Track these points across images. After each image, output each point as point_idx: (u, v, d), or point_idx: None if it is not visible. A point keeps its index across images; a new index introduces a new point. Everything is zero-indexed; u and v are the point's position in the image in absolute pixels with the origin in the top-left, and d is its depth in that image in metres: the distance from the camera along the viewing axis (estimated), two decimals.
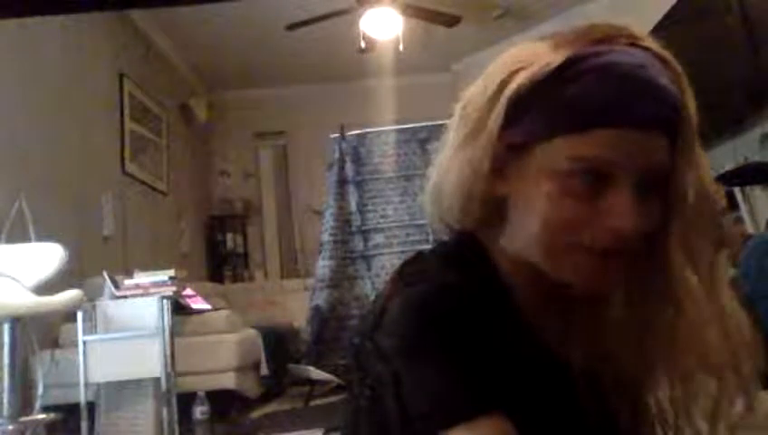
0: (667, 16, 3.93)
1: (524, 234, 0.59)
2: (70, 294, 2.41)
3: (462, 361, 0.52)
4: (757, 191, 3.43)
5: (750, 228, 3.43)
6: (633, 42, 0.58)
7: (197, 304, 3.50)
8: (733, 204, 3.64)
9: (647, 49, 0.58)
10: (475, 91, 0.62)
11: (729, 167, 3.41)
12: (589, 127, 0.54)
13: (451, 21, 4.67)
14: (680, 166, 0.57)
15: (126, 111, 4.52)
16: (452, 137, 0.63)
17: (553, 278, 0.59)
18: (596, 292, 0.59)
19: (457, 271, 0.59)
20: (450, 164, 0.62)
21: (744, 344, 0.58)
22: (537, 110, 0.57)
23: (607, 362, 0.61)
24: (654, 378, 0.60)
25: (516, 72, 0.58)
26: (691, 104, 0.58)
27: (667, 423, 0.60)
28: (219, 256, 6.25)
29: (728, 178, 3.41)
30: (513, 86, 0.57)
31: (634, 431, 0.61)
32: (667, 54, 0.60)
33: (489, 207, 0.61)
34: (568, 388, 0.59)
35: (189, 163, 5.95)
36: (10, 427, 2.24)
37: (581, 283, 0.58)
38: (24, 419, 2.37)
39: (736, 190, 3.55)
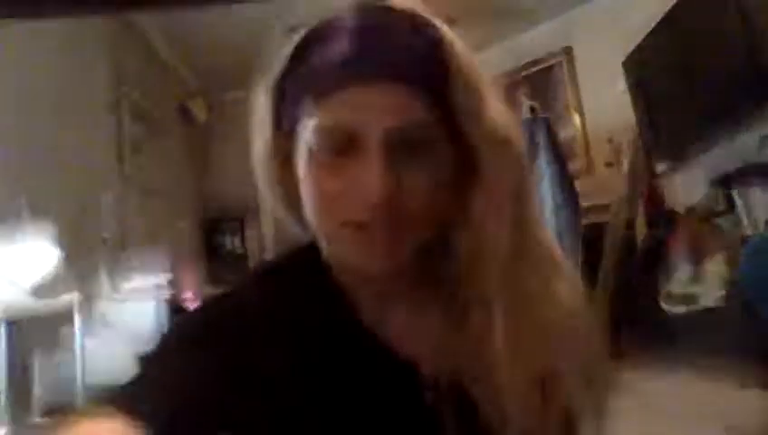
0: (666, 18, 3.93)
1: (309, 219, 0.55)
2: (67, 297, 2.40)
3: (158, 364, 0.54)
4: (757, 193, 3.43)
5: (748, 230, 3.43)
6: (389, 8, 0.54)
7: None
8: (731, 206, 3.64)
9: (403, 13, 0.54)
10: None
11: (728, 169, 3.41)
12: (320, 97, 0.52)
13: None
14: (459, 118, 0.52)
15: (124, 113, 4.51)
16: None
17: (335, 264, 0.55)
18: (374, 270, 0.52)
19: (257, 284, 0.59)
20: (255, 157, 0.62)
21: (577, 318, 0.54)
22: (288, 95, 0.56)
23: (458, 358, 0.54)
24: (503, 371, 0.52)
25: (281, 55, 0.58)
26: (457, 56, 0.53)
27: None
28: (218, 257, 6.23)
29: (727, 181, 3.42)
30: (272, 77, 0.58)
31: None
32: (419, 12, 0.54)
33: (296, 201, 0.58)
34: (408, 388, 0.54)
35: (188, 164, 5.94)
36: (8, 430, 2.24)
37: (353, 261, 0.53)
38: (22, 423, 2.37)
39: (735, 193, 3.55)
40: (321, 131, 0.52)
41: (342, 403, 0.53)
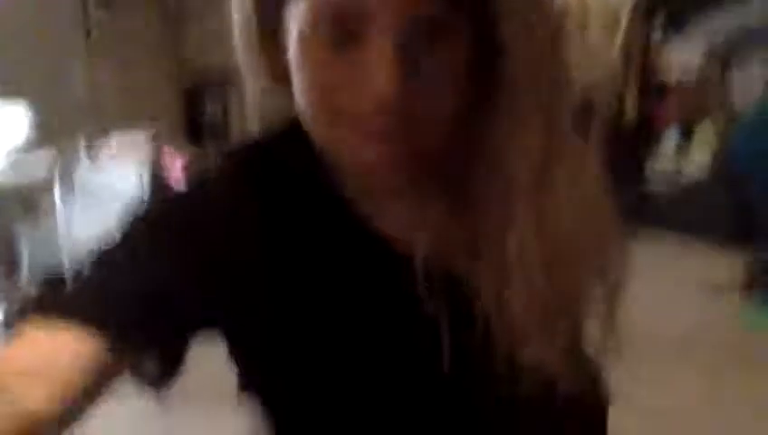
0: None
1: (302, 108, 0.47)
2: (46, 165, 2.33)
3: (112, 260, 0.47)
4: (754, 64, 3.34)
5: (738, 102, 3.38)
6: None
7: (176, 172, 3.44)
8: (723, 77, 3.56)
9: None
10: None
11: (726, 34, 3.29)
12: None
13: None
14: (495, 11, 0.42)
15: None
16: None
17: (326, 151, 0.48)
18: (373, 172, 0.46)
19: (240, 164, 0.52)
20: (234, 31, 0.52)
21: (603, 233, 0.50)
22: None
23: (458, 253, 0.50)
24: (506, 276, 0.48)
25: None
26: None
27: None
28: (199, 125, 6.10)
29: (724, 51, 3.32)
30: None
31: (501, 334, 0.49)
32: None
33: (283, 82, 0.49)
34: (401, 280, 0.49)
35: (163, 26, 5.64)
36: None
37: (350, 159, 0.46)
38: (10, 289, 2.39)
39: (731, 62, 3.46)
40: (316, 15, 0.42)
41: (329, 294, 0.49)
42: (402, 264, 0.49)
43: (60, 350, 0.40)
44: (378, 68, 0.41)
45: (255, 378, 0.52)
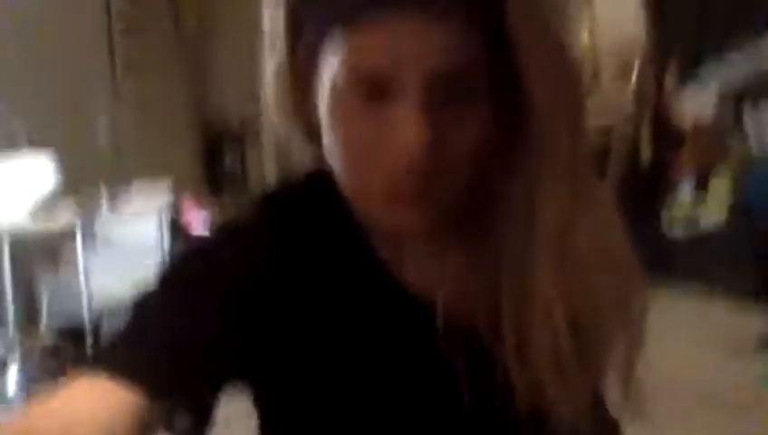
0: None
1: (332, 161, 0.48)
2: (66, 214, 2.39)
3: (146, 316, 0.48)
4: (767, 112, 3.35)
5: (755, 148, 3.37)
6: None
7: (196, 223, 3.49)
8: (739, 122, 3.56)
9: None
10: None
11: (740, 83, 3.31)
12: (349, 25, 0.43)
13: None
14: (518, 56, 0.43)
15: (114, 24, 4.37)
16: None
17: (353, 210, 0.49)
18: (400, 225, 0.48)
19: (264, 214, 0.53)
20: (266, 80, 0.53)
21: (630, 281, 0.50)
22: (308, 11, 0.47)
23: (475, 303, 0.50)
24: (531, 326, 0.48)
25: None
26: None
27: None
28: (218, 175, 6.20)
29: (738, 97, 3.33)
30: None
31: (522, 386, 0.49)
32: None
33: (313, 133, 0.50)
34: (421, 331, 0.50)
35: (184, 80, 5.80)
36: (16, 349, 2.28)
37: (378, 212, 0.47)
38: (30, 343, 2.41)
39: (745, 108, 3.46)
40: (349, 70, 0.44)
41: (352, 341, 0.50)
42: (423, 313, 0.50)
43: (100, 404, 0.41)
44: (406, 128, 0.43)
45: (279, 424, 0.53)
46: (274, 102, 0.53)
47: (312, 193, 0.53)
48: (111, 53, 4.29)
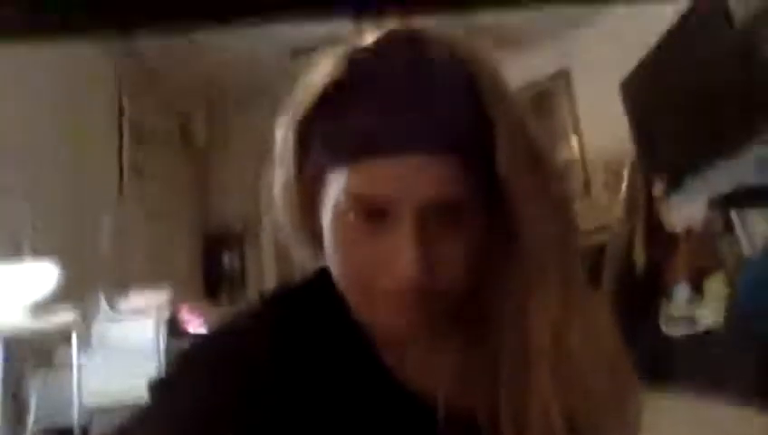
0: (664, 41, 3.98)
1: (334, 271, 0.52)
2: (64, 317, 2.39)
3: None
4: (754, 214, 3.44)
5: (746, 250, 3.43)
6: (420, 43, 0.49)
7: (194, 327, 3.47)
8: (729, 226, 3.65)
9: (438, 50, 0.49)
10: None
11: (726, 190, 3.43)
12: (350, 159, 0.47)
13: None
14: (504, 189, 0.48)
15: (124, 132, 4.54)
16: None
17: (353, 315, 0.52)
18: (400, 333, 0.51)
19: (270, 312, 0.56)
20: (274, 192, 0.57)
21: (625, 381, 0.54)
22: (315, 139, 0.51)
23: (475, 400, 0.53)
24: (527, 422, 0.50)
25: (309, 87, 0.51)
26: (505, 112, 0.48)
27: None
28: (217, 276, 6.22)
29: (725, 202, 3.43)
30: (298, 114, 0.52)
31: None
32: (469, 57, 0.50)
33: (317, 241, 0.55)
34: (423, 426, 0.52)
35: (188, 185, 5.95)
36: None
37: (379, 321, 0.51)
38: None
39: (733, 213, 3.56)
40: (350, 197, 0.48)
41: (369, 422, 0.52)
42: (425, 411, 0.52)
43: None
44: (402, 251, 0.46)
45: None
46: (282, 213, 0.58)
47: (314, 294, 0.57)
48: (120, 157, 4.45)
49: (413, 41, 0.49)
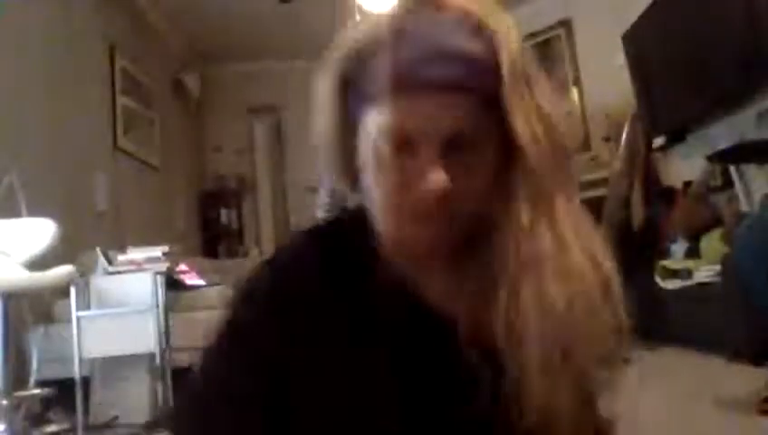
0: None
1: (370, 202, 0.63)
2: (62, 270, 2.40)
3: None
4: (752, 170, 3.43)
5: (744, 206, 3.43)
6: (437, 6, 0.59)
7: (192, 279, 3.49)
8: (728, 182, 3.64)
9: (451, 11, 0.59)
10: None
11: (725, 145, 3.40)
12: (383, 101, 0.58)
13: None
14: (509, 112, 0.58)
15: (117, 86, 4.46)
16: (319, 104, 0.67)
17: (385, 235, 0.62)
18: (423, 246, 0.61)
19: (314, 246, 0.67)
20: (321, 137, 0.67)
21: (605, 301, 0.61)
22: (355, 85, 0.61)
23: (489, 323, 0.60)
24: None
25: (345, 46, 0.62)
26: (508, 51, 0.58)
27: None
28: (213, 231, 6.23)
29: (724, 157, 3.41)
30: (338, 59, 0.62)
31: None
32: (471, 16, 0.59)
33: (355, 182, 0.66)
34: (445, 340, 0.61)
35: (182, 138, 5.90)
36: (4, 402, 2.25)
37: (406, 236, 0.61)
38: (18, 393, 2.38)
39: (732, 169, 3.54)
40: (383, 133, 0.58)
41: (391, 361, 0.61)
42: (447, 333, 0.61)
43: None
44: (428, 171, 0.57)
45: None
46: (325, 159, 0.68)
47: (350, 231, 0.67)
48: (113, 111, 4.39)
49: (440, 7, 0.59)
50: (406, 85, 0.56)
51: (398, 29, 0.58)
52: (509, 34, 0.59)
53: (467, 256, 0.63)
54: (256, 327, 0.64)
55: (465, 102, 0.57)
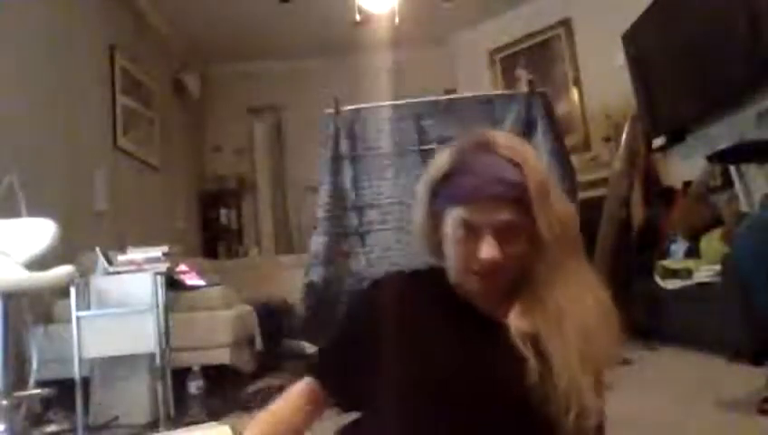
0: None
1: (448, 263, 1.00)
2: (62, 270, 2.40)
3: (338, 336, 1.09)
4: (752, 169, 3.43)
5: (744, 206, 3.43)
6: (491, 150, 0.96)
7: (192, 279, 3.49)
8: (728, 182, 3.64)
9: (500, 153, 0.96)
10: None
11: (725, 145, 3.40)
12: (459, 205, 0.94)
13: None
14: (536, 214, 0.93)
15: (117, 85, 4.46)
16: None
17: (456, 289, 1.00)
18: (481, 298, 0.98)
19: (411, 277, 1.07)
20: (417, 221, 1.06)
21: (601, 332, 0.91)
22: (442, 191, 0.98)
23: (536, 329, 0.93)
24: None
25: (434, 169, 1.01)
26: (534, 178, 0.93)
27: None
28: (213, 231, 6.23)
29: (724, 157, 3.41)
30: (431, 177, 1.01)
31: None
32: (512, 156, 0.95)
33: (438, 251, 1.02)
34: (497, 336, 0.93)
35: (182, 138, 5.90)
36: (4, 402, 2.25)
37: (471, 291, 0.98)
38: (18, 393, 2.38)
39: (731, 168, 3.54)
40: (459, 222, 0.94)
41: (470, 355, 0.93)
42: (507, 334, 0.93)
43: (295, 399, 1.06)
44: (485, 246, 0.92)
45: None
46: (420, 236, 1.05)
47: (432, 277, 1.04)
48: (113, 113, 4.39)
49: (489, 145, 0.97)
50: (476, 196, 0.92)
51: (468, 162, 0.96)
52: (535, 165, 0.95)
53: (509, 293, 0.98)
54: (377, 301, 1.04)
55: (509, 207, 0.92)
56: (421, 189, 1.03)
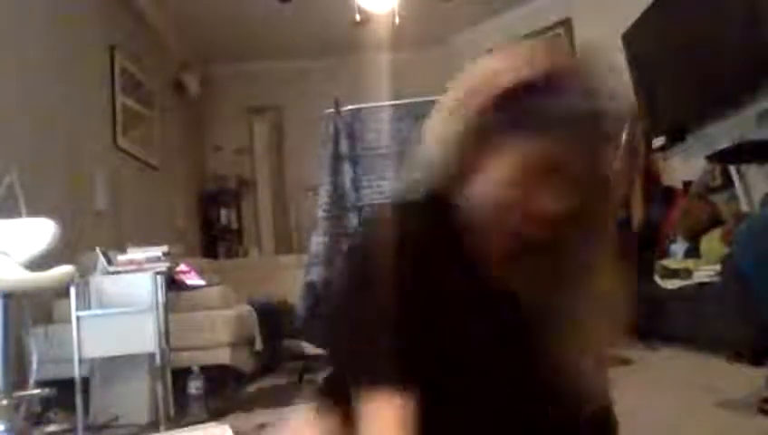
0: None
1: (476, 209, 0.76)
2: (62, 270, 2.40)
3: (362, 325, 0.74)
4: (753, 169, 3.43)
5: (744, 206, 3.43)
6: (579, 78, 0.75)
7: (192, 279, 3.49)
8: (728, 182, 3.64)
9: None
10: (469, 82, 0.78)
11: (725, 145, 3.40)
12: (541, 130, 0.70)
13: None
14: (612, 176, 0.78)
15: (117, 85, 4.46)
16: (446, 109, 0.80)
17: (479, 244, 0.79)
18: (505, 244, 0.77)
19: (411, 221, 0.77)
20: (439, 134, 0.81)
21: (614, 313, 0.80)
22: (503, 116, 0.72)
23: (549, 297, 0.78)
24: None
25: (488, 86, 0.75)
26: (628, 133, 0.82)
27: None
28: (213, 231, 6.23)
29: (724, 157, 3.41)
30: (479, 99, 0.74)
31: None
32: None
33: (461, 172, 0.77)
34: (507, 303, 0.78)
35: (182, 138, 5.90)
36: (4, 402, 2.25)
37: (494, 251, 0.78)
38: (18, 393, 2.38)
39: (732, 168, 3.54)
40: (532, 157, 0.72)
41: (477, 316, 0.77)
42: (515, 300, 0.78)
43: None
44: (552, 199, 0.72)
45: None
46: (442, 154, 0.79)
47: (431, 215, 0.78)
48: (113, 113, 4.39)
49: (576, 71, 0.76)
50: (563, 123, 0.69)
51: (560, 78, 0.71)
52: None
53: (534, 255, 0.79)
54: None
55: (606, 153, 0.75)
56: (472, 102, 0.75)
